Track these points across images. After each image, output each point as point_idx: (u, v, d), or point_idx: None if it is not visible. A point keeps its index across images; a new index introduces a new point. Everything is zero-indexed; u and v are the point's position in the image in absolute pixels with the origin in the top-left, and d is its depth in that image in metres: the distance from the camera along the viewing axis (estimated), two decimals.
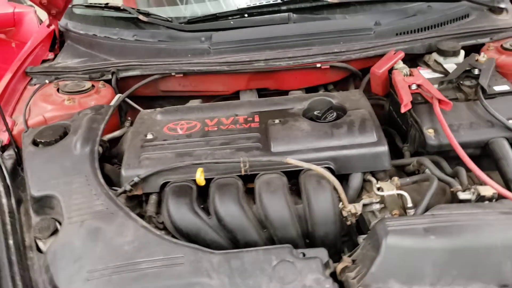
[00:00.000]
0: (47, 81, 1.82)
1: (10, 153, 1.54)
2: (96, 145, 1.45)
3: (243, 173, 1.35)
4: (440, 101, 1.41)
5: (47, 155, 1.44)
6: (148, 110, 1.65)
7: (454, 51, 1.73)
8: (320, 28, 1.79)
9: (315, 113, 1.55)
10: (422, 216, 1.17)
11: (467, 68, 1.57)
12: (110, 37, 2.01)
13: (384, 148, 1.37)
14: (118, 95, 1.77)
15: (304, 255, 1.15)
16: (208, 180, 1.33)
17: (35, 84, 1.85)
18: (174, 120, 1.55)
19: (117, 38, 2.00)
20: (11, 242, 1.27)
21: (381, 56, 1.74)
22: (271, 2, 1.94)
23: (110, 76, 1.82)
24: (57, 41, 2.15)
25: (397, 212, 1.34)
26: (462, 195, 1.27)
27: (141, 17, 1.98)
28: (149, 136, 1.48)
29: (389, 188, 1.33)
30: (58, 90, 1.74)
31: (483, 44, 1.84)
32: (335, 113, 1.52)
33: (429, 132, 1.40)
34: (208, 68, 1.75)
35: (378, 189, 1.34)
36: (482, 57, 1.63)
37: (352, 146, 1.38)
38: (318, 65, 1.74)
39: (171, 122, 1.55)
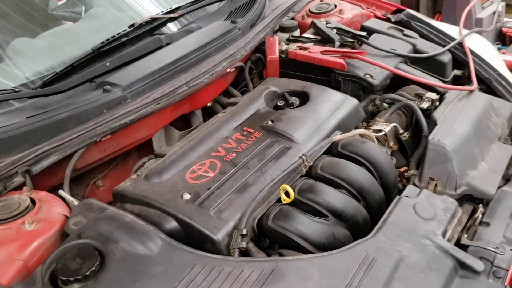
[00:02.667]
0: None
1: None
2: (161, 234, 1.12)
3: (304, 172, 1.35)
4: (358, 53, 1.76)
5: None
6: (127, 183, 1.31)
7: (295, 26, 2.09)
8: (208, 38, 1.78)
9: (279, 103, 1.62)
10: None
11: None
12: None
13: (356, 100, 1.63)
14: (60, 191, 1.31)
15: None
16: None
17: None
18: (183, 170, 1.33)
19: None
20: None
21: (259, 45, 1.92)
22: (121, 33, 1.77)
23: (21, 179, 1.30)
24: None
25: (393, 142, 1.64)
26: (423, 105, 1.68)
27: None
28: (187, 196, 1.24)
29: (383, 127, 1.61)
30: None
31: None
32: (293, 97, 1.64)
33: (367, 77, 1.73)
34: (141, 113, 1.50)
35: (376, 131, 1.60)
36: (322, 21, 2.05)
37: (339, 110, 1.57)
38: (229, 69, 1.75)
39: (185, 173, 1.32)
